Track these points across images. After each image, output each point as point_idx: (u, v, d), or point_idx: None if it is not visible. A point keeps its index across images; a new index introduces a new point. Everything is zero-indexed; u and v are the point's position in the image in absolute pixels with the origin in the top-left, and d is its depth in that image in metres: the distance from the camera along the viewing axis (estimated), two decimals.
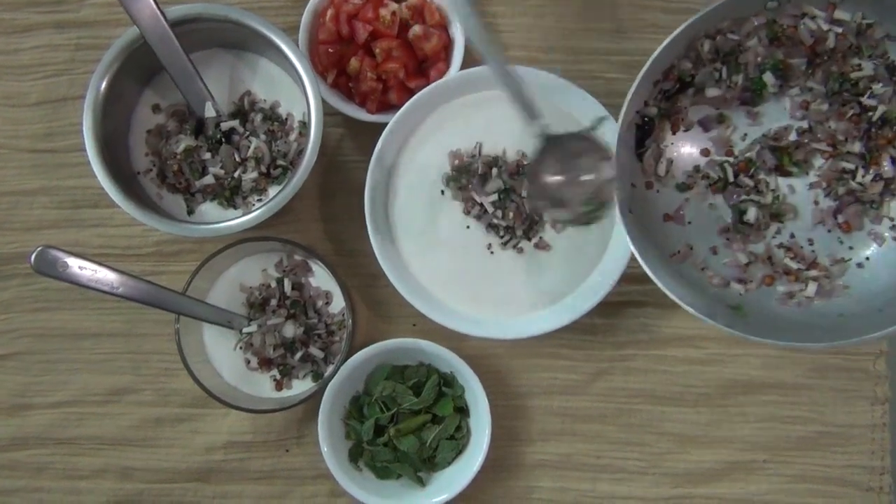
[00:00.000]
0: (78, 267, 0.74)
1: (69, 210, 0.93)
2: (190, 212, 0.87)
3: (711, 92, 0.81)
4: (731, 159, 0.82)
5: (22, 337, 0.93)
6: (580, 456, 0.90)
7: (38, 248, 0.72)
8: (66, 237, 0.93)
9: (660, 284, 0.73)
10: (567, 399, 0.90)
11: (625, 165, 0.80)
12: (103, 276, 0.75)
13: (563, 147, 0.75)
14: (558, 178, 0.75)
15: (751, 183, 0.82)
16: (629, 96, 0.75)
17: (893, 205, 0.79)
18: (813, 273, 0.79)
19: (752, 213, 0.81)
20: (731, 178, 0.82)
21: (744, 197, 0.82)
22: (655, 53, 0.74)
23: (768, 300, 0.80)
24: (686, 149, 0.84)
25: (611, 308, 0.89)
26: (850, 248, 0.80)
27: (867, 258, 0.79)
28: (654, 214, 0.83)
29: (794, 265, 0.80)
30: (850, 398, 0.89)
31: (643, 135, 0.82)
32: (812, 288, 0.78)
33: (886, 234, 0.79)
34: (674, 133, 0.83)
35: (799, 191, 0.82)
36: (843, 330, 0.72)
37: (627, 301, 0.90)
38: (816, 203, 0.81)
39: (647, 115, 0.81)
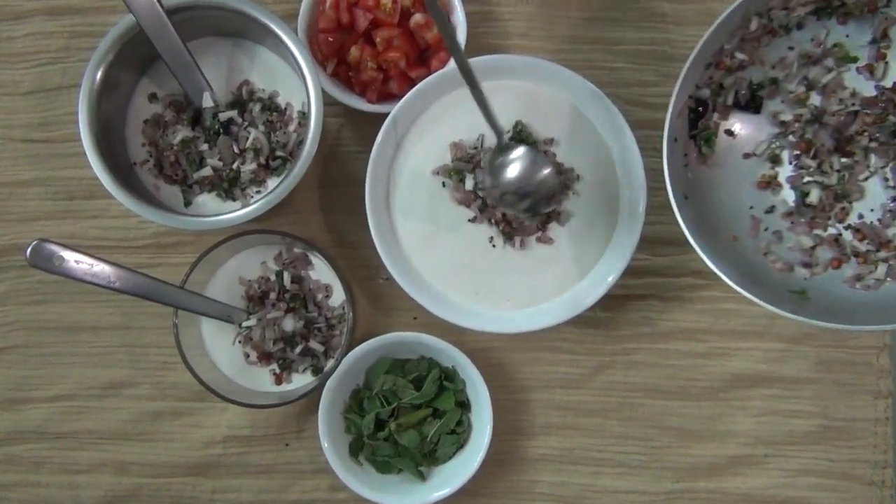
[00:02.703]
0: (74, 261, 0.73)
1: (64, 201, 0.92)
2: (187, 203, 0.86)
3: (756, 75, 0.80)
4: (789, 139, 0.81)
5: (18, 330, 0.92)
6: (582, 450, 0.89)
7: (34, 242, 0.71)
8: (61, 229, 0.91)
9: (716, 270, 0.72)
10: (569, 393, 0.90)
11: (678, 151, 0.79)
12: (100, 269, 0.74)
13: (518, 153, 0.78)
14: (510, 177, 0.78)
15: (813, 163, 0.80)
16: (679, 82, 0.75)
17: None
18: (882, 254, 0.77)
19: (815, 195, 0.80)
20: (791, 160, 0.81)
21: (807, 178, 0.80)
22: (706, 35, 0.74)
23: (834, 283, 0.78)
24: (744, 131, 0.83)
25: (613, 301, 0.88)
26: None
27: None
28: (711, 199, 0.81)
29: (862, 247, 0.78)
30: (853, 392, 0.89)
31: (696, 117, 0.81)
32: (882, 269, 0.76)
33: None
34: (725, 116, 0.82)
35: (864, 171, 0.80)
36: None
37: (630, 294, 0.89)
38: (886, 180, 0.79)
39: (700, 97, 0.80)
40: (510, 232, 0.84)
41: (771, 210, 0.82)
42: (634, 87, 0.90)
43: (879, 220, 0.79)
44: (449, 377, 0.86)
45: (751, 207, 0.82)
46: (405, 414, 0.85)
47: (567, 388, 0.90)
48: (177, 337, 0.83)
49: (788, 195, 0.82)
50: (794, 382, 0.89)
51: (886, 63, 0.79)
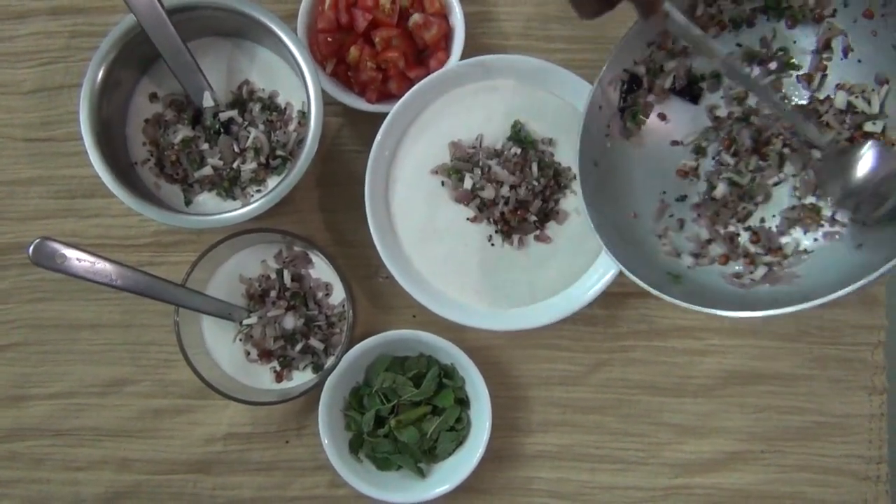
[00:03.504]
0: (76, 259, 0.73)
1: (65, 200, 0.92)
2: (188, 202, 0.87)
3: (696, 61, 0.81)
4: (719, 135, 0.81)
5: (19, 327, 0.92)
6: (580, 446, 0.90)
7: (37, 241, 0.71)
8: (62, 227, 0.92)
9: (592, 225, 0.74)
10: (567, 390, 0.91)
11: (600, 117, 0.79)
12: (101, 268, 0.74)
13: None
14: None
15: (731, 161, 0.81)
16: (613, 52, 0.76)
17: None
18: (768, 258, 0.77)
19: (721, 189, 0.80)
20: (714, 154, 0.81)
21: (723, 174, 0.81)
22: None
23: (711, 276, 0.78)
24: (677, 118, 0.83)
25: (611, 299, 0.89)
26: (816, 239, 0.77)
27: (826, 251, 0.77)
28: (623, 173, 0.81)
29: (753, 249, 0.79)
30: (848, 388, 0.90)
31: (629, 91, 0.81)
32: (761, 272, 0.76)
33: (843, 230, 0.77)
34: (661, 99, 0.83)
35: (775, 175, 0.80)
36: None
37: (627, 292, 0.89)
38: (795, 189, 0.79)
39: (635, 72, 0.80)
40: (508, 231, 0.85)
41: (682, 199, 0.82)
42: None
43: (777, 226, 0.79)
44: (448, 374, 0.87)
45: (663, 192, 0.82)
46: (405, 411, 0.86)
47: (565, 385, 0.91)
48: (178, 335, 0.83)
49: (703, 187, 0.82)
50: (789, 379, 0.90)
51: (825, 75, 0.78)
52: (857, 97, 0.76)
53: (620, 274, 0.82)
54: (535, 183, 0.84)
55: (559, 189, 0.85)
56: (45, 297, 0.92)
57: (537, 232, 0.85)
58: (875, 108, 0.76)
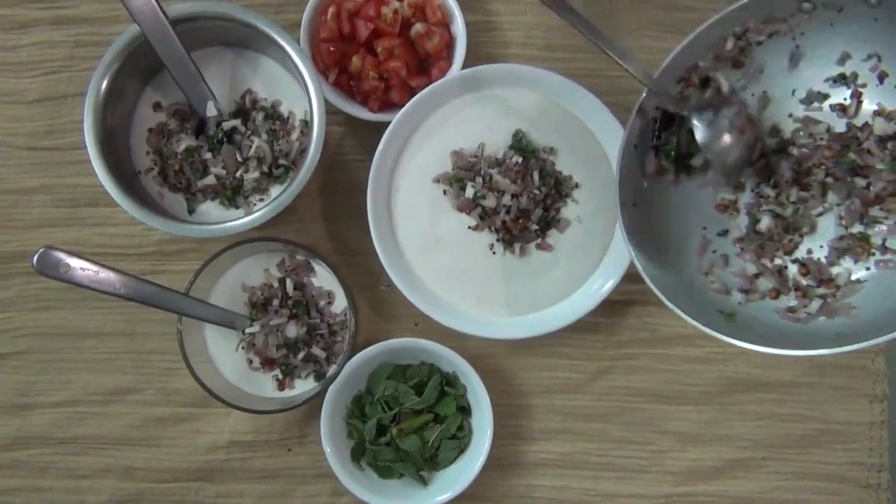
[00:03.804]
0: (80, 268, 0.73)
1: (69, 209, 0.92)
2: (191, 211, 0.87)
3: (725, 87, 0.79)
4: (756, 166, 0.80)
5: (23, 336, 0.92)
6: (582, 454, 0.90)
7: (41, 250, 0.72)
8: (66, 236, 0.92)
9: (646, 278, 0.72)
10: (569, 398, 0.91)
11: (634, 157, 0.78)
12: (105, 277, 0.75)
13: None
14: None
15: (772, 193, 0.79)
16: (645, 91, 0.74)
17: None
18: (821, 290, 0.75)
19: (765, 222, 0.78)
20: (753, 187, 0.80)
21: (764, 207, 0.79)
22: (679, 48, 0.73)
23: (765, 311, 0.76)
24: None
25: (613, 307, 0.89)
26: (868, 268, 0.75)
27: (880, 279, 0.75)
28: (663, 211, 0.80)
29: (804, 281, 0.76)
30: (849, 396, 0.90)
31: (662, 128, 0.79)
32: (816, 304, 0.74)
33: None
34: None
35: (819, 206, 0.78)
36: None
37: (629, 300, 0.90)
38: (840, 218, 0.77)
39: (667, 108, 0.78)
40: (510, 239, 0.85)
41: (724, 234, 0.80)
42: (632, 96, 0.90)
43: (826, 257, 0.77)
44: (450, 382, 0.87)
45: (704, 228, 0.80)
46: (406, 419, 0.86)
47: (567, 393, 0.91)
48: (181, 343, 0.83)
49: (743, 221, 0.81)
50: (791, 387, 0.90)
51: (860, 102, 0.77)
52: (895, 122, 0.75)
53: (622, 281, 0.82)
54: (537, 191, 0.84)
55: (560, 198, 0.86)
56: (48, 306, 0.92)
57: (539, 240, 0.86)
58: None
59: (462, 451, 0.87)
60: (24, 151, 0.93)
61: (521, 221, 0.85)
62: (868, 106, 0.77)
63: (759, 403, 0.90)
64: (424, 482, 0.86)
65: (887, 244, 0.75)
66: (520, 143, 0.85)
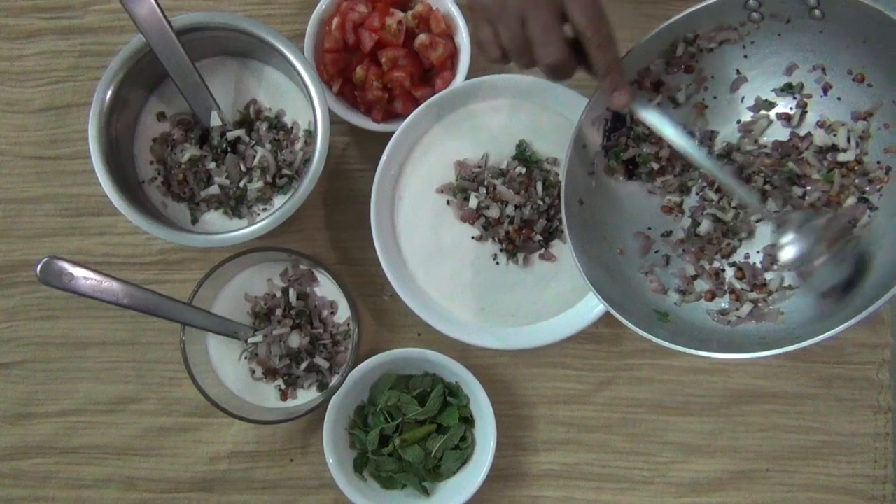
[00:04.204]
0: (83, 278, 0.74)
1: (73, 218, 0.93)
2: (194, 221, 0.87)
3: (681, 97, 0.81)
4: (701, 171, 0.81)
5: (26, 345, 0.92)
6: (585, 465, 0.90)
7: (44, 259, 0.72)
8: (69, 245, 0.92)
9: (580, 267, 0.72)
10: (572, 409, 0.90)
11: (585, 158, 0.79)
12: (108, 286, 0.75)
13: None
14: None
15: (715, 197, 0.80)
16: (594, 92, 0.75)
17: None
18: (754, 295, 0.77)
19: (705, 226, 0.80)
20: (698, 191, 0.81)
21: (707, 210, 0.80)
22: (629, 51, 0.74)
23: (697, 313, 0.77)
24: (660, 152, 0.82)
25: (615, 317, 0.89)
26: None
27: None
28: (608, 210, 0.80)
29: (739, 285, 0.78)
30: (854, 407, 0.90)
31: (612, 129, 0.80)
32: (746, 308, 0.76)
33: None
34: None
35: (758, 212, 0.79)
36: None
37: None
38: (777, 225, 0.78)
39: (618, 111, 0.79)
40: (513, 249, 0.85)
41: (668, 234, 0.81)
42: None
43: (761, 262, 0.78)
44: (453, 393, 0.87)
45: (648, 228, 0.81)
46: (409, 429, 0.85)
47: (570, 404, 0.91)
48: (184, 353, 0.83)
49: (687, 223, 0.82)
50: (794, 398, 0.90)
51: (804, 112, 0.78)
52: (835, 134, 0.76)
53: None
54: (540, 202, 0.84)
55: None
56: (51, 315, 0.92)
57: (542, 251, 0.86)
58: (852, 145, 0.75)
59: (465, 461, 0.87)
60: (29, 160, 0.93)
61: (524, 232, 0.85)
62: (812, 116, 0.78)
63: (763, 415, 0.90)
64: (427, 493, 0.86)
65: None
66: (523, 154, 0.86)
